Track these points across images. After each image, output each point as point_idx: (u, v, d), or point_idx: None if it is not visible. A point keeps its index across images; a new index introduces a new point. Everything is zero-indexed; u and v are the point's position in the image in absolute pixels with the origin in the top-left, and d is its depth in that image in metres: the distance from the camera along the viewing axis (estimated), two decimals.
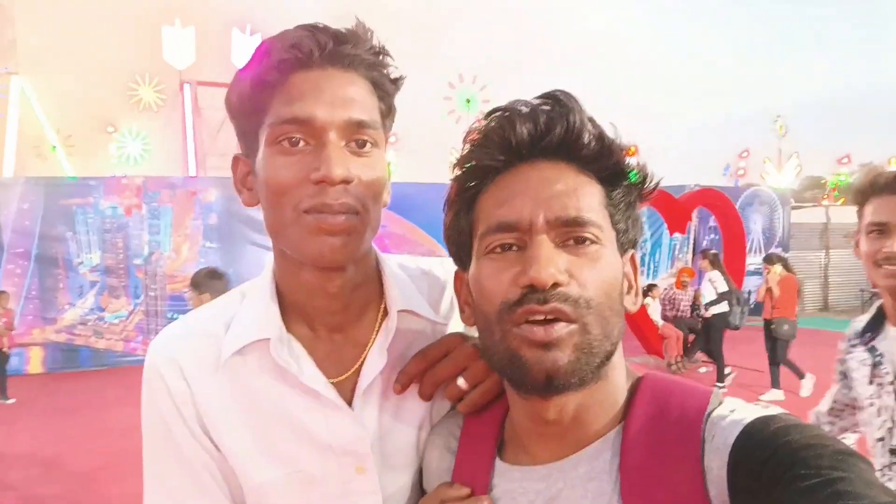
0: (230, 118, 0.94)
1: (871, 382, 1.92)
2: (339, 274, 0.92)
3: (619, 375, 0.83)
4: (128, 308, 11.61)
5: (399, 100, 0.99)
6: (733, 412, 0.74)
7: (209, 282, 4.96)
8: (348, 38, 0.90)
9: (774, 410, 0.72)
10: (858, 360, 1.99)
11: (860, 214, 1.89)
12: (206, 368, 0.93)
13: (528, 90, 0.83)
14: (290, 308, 0.97)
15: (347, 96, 0.88)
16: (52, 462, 6.26)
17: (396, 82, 0.96)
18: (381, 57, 0.93)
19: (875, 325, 1.95)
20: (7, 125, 15.83)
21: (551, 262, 0.73)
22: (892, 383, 1.86)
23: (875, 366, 1.90)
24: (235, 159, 0.97)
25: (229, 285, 5.52)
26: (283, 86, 0.87)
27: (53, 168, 15.69)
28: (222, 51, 18.70)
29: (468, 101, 19.02)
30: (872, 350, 1.92)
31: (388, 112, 0.96)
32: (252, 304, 0.97)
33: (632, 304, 0.84)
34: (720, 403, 0.77)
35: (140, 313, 11.71)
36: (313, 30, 0.88)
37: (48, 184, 11.62)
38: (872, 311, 1.99)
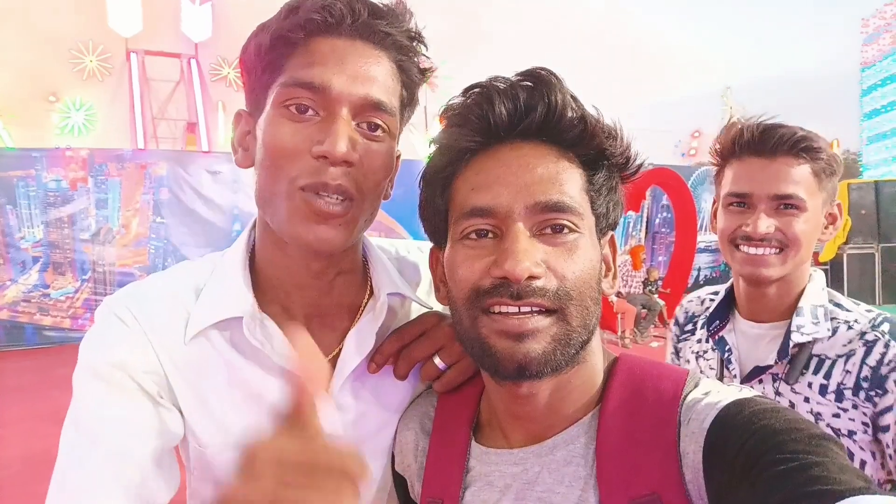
0: (242, 71, 0.89)
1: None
2: (326, 257, 0.88)
3: (595, 359, 0.82)
4: (74, 285, 11.23)
5: None
6: (708, 395, 0.73)
7: None
8: (385, 14, 0.84)
9: (749, 393, 0.72)
10: (695, 351, 1.61)
11: (717, 181, 1.51)
12: (174, 336, 0.88)
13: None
14: (265, 286, 0.93)
15: (370, 73, 0.83)
16: None
17: (425, 73, 0.91)
18: (414, 42, 0.88)
19: (723, 313, 1.55)
20: None
21: (527, 255, 0.71)
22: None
23: (724, 363, 1.50)
24: (238, 115, 0.93)
25: None
26: (305, 47, 0.82)
27: None
28: (171, 20, 18.03)
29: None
30: (721, 343, 1.52)
31: (409, 102, 0.91)
32: (224, 277, 0.92)
33: (609, 287, 0.83)
34: (696, 385, 0.77)
35: (88, 290, 11.33)
36: None
37: None
38: (720, 293, 1.59)
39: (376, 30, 0.83)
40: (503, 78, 0.78)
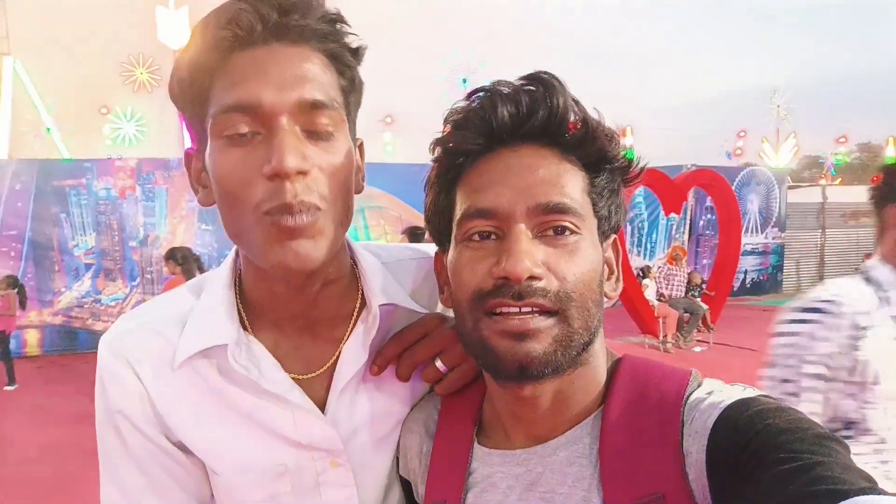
0: (177, 108, 0.84)
1: None
2: (309, 279, 0.85)
3: (598, 360, 0.82)
4: (124, 290, 11.59)
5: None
6: (711, 394, 0.73)
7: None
8: (295, 7, 0.77)
9: (752, 392, 0.72)
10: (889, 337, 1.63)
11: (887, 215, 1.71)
12: (162, 368, 0.88)
13: (526, 69, 0.80)
14: (252, 304, 0.91)
15: (298, 74, 0.77)
16: (49, 445, 6.28)
17: (358, 52, 0.84)
18: (336, 25, 0.81)
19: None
20: (0, 106, 15.68)
21: (528, 255, 0.72)
22: None
23: None
24: (187, 155, 0.88)
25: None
26: (224, 69, 0.77)
27: (49, 150, 15.57)
28: None
29: (464, 80, 18.88)
30: None
31: (351, 87, 0.84)
32: (209, 302, 0.90)
33: (612, 290, 0.83)
34: (699, 385, 0.77)
35: (137, 295, 11.68)
36: (254, 1, 0.76)
37: (41, 165, 11.53)
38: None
39: (291, 26, 0.77)
40: (507, 82, 0.79)
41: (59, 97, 17.12)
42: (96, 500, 0.92)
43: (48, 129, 16.77)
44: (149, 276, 11.74)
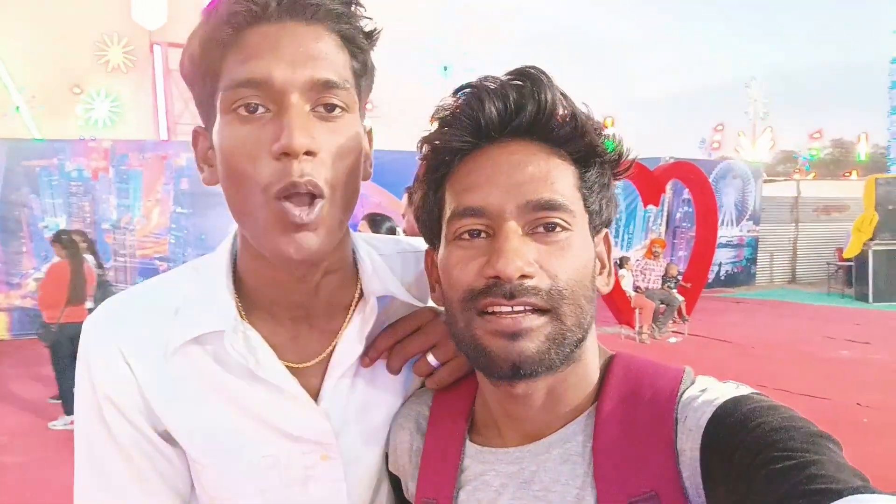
0: (187, 85, 0.84)
1: None
2: (311, 268, 0.84)
3: (591, 357, 0.81)
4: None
5: (378, 66, 0.87)
6: (705, 392, 0.73)
7: None
8: None
9: (746, 390, 0.72)
10: None
11: None
12: (153, 355, 0.85)
13: (506, 59, 0.79)
14: (249, 293, 0.90)
15: (311, 52, 0.76)
16: (19, 431, 6.18)
17: (371, 36, 0.84)
18: (351, 7, 0.81)
19: None
20: None
21: (518, 254, 0.71)
22: None
23: None
24: (195, 133, 0.87)
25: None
26: (236, 44, 0.76)
27: (19, 130, 15.21)
28: (195, 11, 18.17)
29: (445, 68, 18.80)
30: None
31: (363, 70, 0.84)
32: (205, 288, 0.88)
33: (604, 284, 0.83)
34: (692, 383, 0.77)
35: (109, 279, 11.51)
36: None
37: (10, 145, 11.26)
38: None
39: (305, 5, 0.76)
40: (493, 77, 0.78)
41: (29, 76, 16.70)
42: (66, 487, 0.89)
43: (17, 107, 16.37)
44: (122, 260, 11.56)
